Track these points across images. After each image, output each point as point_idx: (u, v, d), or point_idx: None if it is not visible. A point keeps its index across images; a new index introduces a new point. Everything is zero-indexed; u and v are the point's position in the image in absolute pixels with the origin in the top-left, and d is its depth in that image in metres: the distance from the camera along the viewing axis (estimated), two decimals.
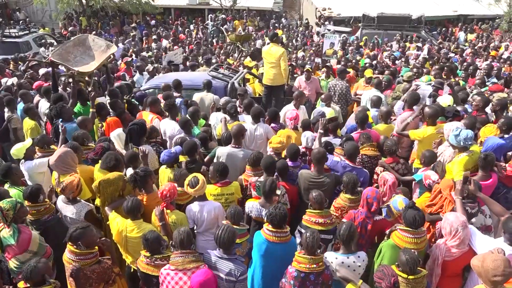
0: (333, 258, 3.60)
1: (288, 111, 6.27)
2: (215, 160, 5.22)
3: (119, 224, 4.00)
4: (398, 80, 8.74)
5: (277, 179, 4.59)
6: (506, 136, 5.18)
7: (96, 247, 3.71)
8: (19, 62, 11.31)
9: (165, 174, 4.92)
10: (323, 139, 5.45)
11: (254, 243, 3.81)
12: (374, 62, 10.45)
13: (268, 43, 8.47)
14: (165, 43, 15.44)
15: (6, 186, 4.64)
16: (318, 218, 3.96)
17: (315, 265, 3.37)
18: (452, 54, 12.68)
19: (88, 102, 6.84)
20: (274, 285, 3.71)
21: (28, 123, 6.44)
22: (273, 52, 7.82)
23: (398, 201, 4.01)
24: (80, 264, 3.53)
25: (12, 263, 3.83)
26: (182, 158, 5.12)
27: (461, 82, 8.26)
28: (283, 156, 5.30)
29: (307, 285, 3.40)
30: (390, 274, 3.04)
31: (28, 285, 3.23)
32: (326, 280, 3.46)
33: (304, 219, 4.05)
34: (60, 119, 6.02)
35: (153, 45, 14.94)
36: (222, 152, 5.22)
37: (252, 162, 4.82)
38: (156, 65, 10.95)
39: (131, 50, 13.60)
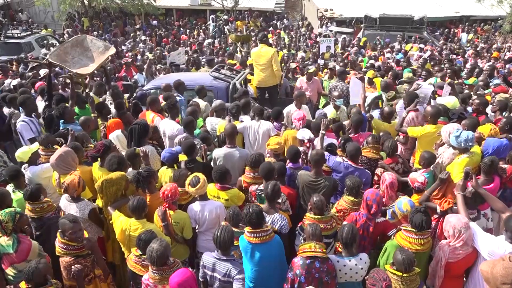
0: (335, 260, 3.58)
1: (295, 112, 6.24)
2: (212, 163, 5.21)
3: (122, 223, 4.01)
4: (400, 81, 8.71)
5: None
6: (510, 135, 5.17)
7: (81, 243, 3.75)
8: (20, 63, 11.34)
9: (166, 174, 4.91)
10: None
11: (240, 247, 3.76)
12: (378, 64, 10.40)
13: (254, 45, 8.45)
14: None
15: (9, 188, 4.62)
16: (319, 224, 3.91)
17: (319, 250, 3.40)
18: (454, 56, 12.64)
19: (86, 105, 6.86)
20: (265, 287, 3.71)
21: None
22: (264, 53, 7.79)
23: (403, 203, 4.00)
24: (63, 252, 3.64)
25: (10, 272, 3.78)
26: (181, 158, 5.11)
27: (473, 79, 8.18)
28: (283, 157, 5.28)
29: (313, 273, 3.42)
30: (382, 279, 3.03)
31: (30, 285, 3.23)
32: (331, 270, 3.47)
33: (305, 224, 4.01)
34: (62, 120, 6.02)
35: (141, 45, 14.95)
36: (218, 154, 5.22)
37: (251, 163, 4.77)
38: (158, 66, 10.96)
39: (128, 52, 13.61)
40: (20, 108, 7.04)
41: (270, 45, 8.20)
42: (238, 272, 3.48)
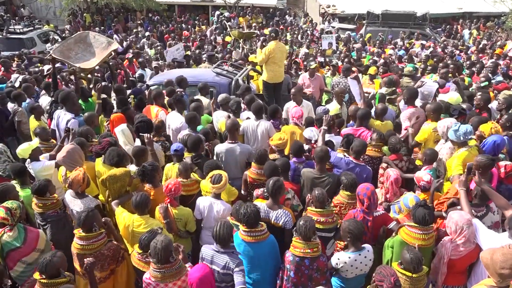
0: (346, 258, 3.59)
1: (293, 109, 6.25)
2: (215, 158, 5.23)
3: (125, 219, 4.03)
4: (400, 74, 8.72)
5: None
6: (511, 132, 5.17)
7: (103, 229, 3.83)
8: (23, 58, 11.35)
9: (172, 170, 4.92)
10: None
11: (234, 243, 3.74)
12: (382, 61, 10.38)
13: (265, 40, 8.34)
14: None
15: (16, 185, 4.64)
16: (320, 217, 3.94)
17: (309, 250, 3.43)
18: (457, 52, 12.61)
19: (89, 99, 6.89)
20: (259, 285, 3.74)
21: (33, 123, 6.41)
22: (283, 49, 7.78)
23: (409, 199, 4.01)
24: (96, 246, 3.65)
25: (19, 267, 3.80)
26: (187, 154, 5.13)
27: (466, 79, 8.22)
28: (286, 153, 5.30)
29: (302, 270, 3.48)
30: (390, 274, 3.04)
31: (44, 276, 3.27)
32: (322, 267, 3.51)
33: None
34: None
35: (144, 40, 14.94)
36: (220, 149, 5.25)
37: (258, 158, 4.78)
38: (160, 62, 10.96)
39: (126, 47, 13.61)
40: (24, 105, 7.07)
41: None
42: (236, 264, 3.50)
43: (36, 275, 3.32)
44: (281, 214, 4.08)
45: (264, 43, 9.34)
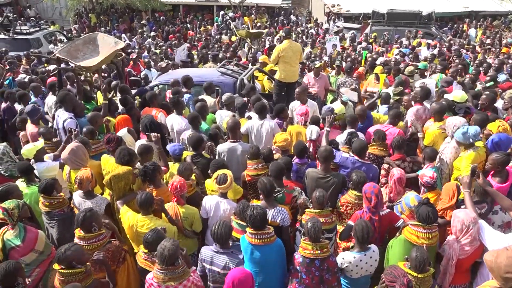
0: (351, 257, 3.58)
1: (298, 107, 6.24)
2: (217, 157, 5.24)
3: (129, 219, 4.03)
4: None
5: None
6: None
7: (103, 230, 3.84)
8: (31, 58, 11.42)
9: (173, 169, 4.91)
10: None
11: (241, 247, 3.73)
12: (383, 59, 10.34)
13: (278, 40, 8.29)
14: None
15: (20, 183, 4.66)
16: (319, 218, 3.88)
17: (319, 251, 3.42)
18: (464, 51, 12.54)
19: (92, 100, 6.92)
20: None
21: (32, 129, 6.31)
22: (295, 48, 7.79)
23: (410, 198, 4.00)
24: (94, 246, 3.66)
25: None
26: (187, 153, 5.14)
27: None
28: (291, 153, 5.29)
29: (312, 271, 3.46)
30: (401, 275, 3.01)
31: (62, 266, 3.30)
32: (332, 267, 3.49)
33: (304, 219, 4.03)
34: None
35: (149, 40, 14.98)
36: (222, 149, 5.26)
37: (251, 155, 4.80)
38: (166, 61, 10.98)
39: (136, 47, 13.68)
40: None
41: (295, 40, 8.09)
42: (236, 264, 3.50)
43: (56, 266, 3.36)
44: (278, 212, 4.06)
45: (277, 43, 9.32)
